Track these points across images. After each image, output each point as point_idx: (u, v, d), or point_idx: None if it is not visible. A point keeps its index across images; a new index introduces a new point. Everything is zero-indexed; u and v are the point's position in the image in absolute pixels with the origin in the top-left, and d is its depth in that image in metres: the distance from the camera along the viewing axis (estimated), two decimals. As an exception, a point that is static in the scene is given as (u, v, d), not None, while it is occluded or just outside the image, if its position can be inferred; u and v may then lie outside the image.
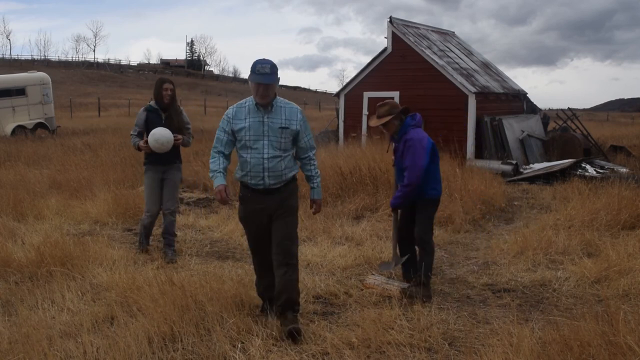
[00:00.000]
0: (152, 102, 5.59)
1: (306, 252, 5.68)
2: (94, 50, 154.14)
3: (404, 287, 4.49)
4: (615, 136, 18.33)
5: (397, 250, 4.86)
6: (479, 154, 12.33)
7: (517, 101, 15.25)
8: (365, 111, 13.76)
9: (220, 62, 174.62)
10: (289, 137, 3.71)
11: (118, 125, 21.91)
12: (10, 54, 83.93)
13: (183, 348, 3.36)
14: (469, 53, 15.94)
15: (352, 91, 14.40)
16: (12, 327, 3.61)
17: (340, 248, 5.85)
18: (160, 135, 5.31)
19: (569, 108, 16.41)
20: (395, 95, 13.33)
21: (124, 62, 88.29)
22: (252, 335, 3.56)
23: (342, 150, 11.22)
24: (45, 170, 10.58)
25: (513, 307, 4.20)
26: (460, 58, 14.68)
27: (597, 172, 10.51)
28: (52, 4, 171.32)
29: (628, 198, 6.89)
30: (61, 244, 5.13)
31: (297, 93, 74.81)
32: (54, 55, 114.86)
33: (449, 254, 5.92)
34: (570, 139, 13.22)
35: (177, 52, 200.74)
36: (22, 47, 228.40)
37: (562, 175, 10.13)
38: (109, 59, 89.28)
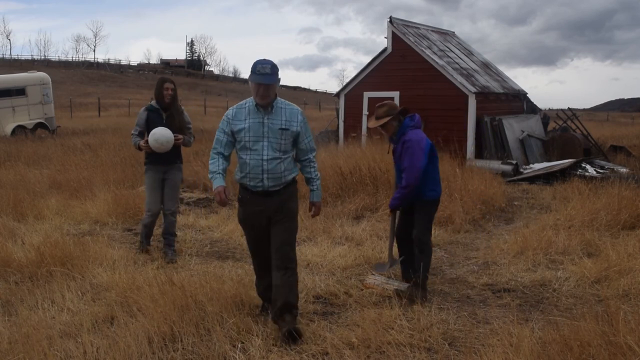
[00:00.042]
0: (153, 102, 5.57)
1: (306, 252, 5.68)
2: (94, 50, 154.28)
3: (398, 289, 4.45)
4: (615, 136, 18.33)
5: (393, 252, 4.85)
6: (479, 154, 12.33)
7: (517, 101, 15.25)
8: (365, 111, 13.76)
9: (220, 62, 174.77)
10: (289, 139, 3.67)
11: (118, 125, 21.92)
12: (10, 54, 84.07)
13: (183, 348, 3.36)
14: (469, 53, 15.94)
15: (352, 91, 14.40)
16: (12, 327, 3.61)
17: (340, 248, 5.85)
18: (160, 135, 5.30)
19: (569, 108, 16.42)
20: (396, 95, 13.33)
21: (124, 62, 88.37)
22: (252, 335, 3.56)
23: (342, 150, 11.22)
24: (45, 170, 10.58)
25: (513, 307, 4.20)
26: (460, 58, 14.68)
27: (597, 172, 10.51)
28: (52, 4, 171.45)
29: (628, 198, 6.88)
30: (61, 244, 5.13)
31: (297, 93, 74.80)
32: (54, 55, 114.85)
33: (449, 254, 5.92)
34: (570, 139, 13.22)
35: (177, 52, 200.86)
36: (22, 47, 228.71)
37: (562, 175, 10.12)
38: (109, 59, 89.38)
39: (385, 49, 13.83)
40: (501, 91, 14.05)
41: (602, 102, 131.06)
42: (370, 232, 6.50)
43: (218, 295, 3.93)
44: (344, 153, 10.11)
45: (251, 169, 3.62)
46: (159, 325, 3.48)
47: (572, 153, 12.40)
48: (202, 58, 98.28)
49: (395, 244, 4.85)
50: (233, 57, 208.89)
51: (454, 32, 17.31)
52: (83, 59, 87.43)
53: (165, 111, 5.52)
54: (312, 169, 3.85)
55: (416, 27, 14.76)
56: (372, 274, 4.88)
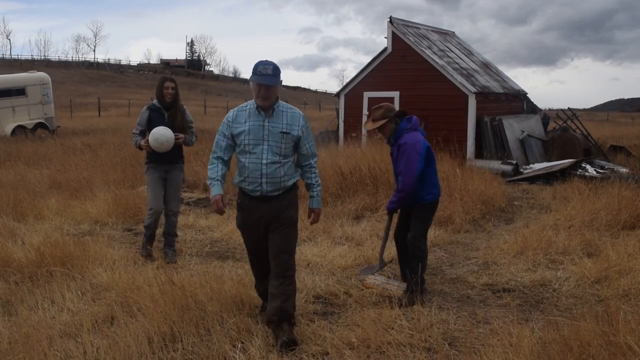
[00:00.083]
0: (155, 101, 5.52)
1: (306, 252, 5.69)
2: (94, 50, 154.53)
3: (399, 297, 4.42)
4: (615, 136, 18.32)
5: (383, 255, 4.83)
6: (479, 154, 12.33)
7: (517, 101, 15.25)
8: (365, 111, 13.76)
9: (220, 62, 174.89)
10: (290, 143, 3.59)
11: (118, 125, 21.92)
12: (10, 54, 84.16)
13: (183, 348, 3.36)
14: (469, 53, 15.94)
15: (352, 91, 14.40)
16: (12, 327, 3.61)
17: (340, 248, 5.85)
18: (160, 134, 5.25)
19: (569, 108, 16.42)
20: (396, 95, 13.34)
21: (124, 62, 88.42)
22: (252, 335, 3.56)
23: (342, 150, 11.22)
24: (45, 170, 10.59)
25: (513, 307, 4.20)
26: (460, 58, 14.68)
27: (597, 172, 10.51)
28: (52, 4, 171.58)
29: (628, 198, 6.89)
30: (61, 244, 5.13)
31: (297, 93, 74.82)
32: (54, 55, 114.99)
33: (449, 254, 5.92)
34: (570, 139, 13.22)
35: (177, 52, 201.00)
36: (22, 47, 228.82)
37: (562, 175, 10.12)
38: (109, 59, 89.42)
39: (385, 49, 13.83)
40: (501, 91, 14.05)
41: (602, 102, 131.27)
42: (370, 232, 6.50)
43: (218, 295, 3.93)
44: (344, 153, 10.12)
45: (250, 173, 3.55)
46: (159, 325, 3.48)
47: (572, 153, 12.40)
48: (202, 58, 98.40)
49: (387, 247, 4.83)
50: (233, 57, 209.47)
51: (454, 32, 17.31)
52: (83, 59, 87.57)
53: (167, 110, 5.47)
54: (313, 175, 3.78)
55: (416, 27, 14.76)
56: (372, 274, 4.87)
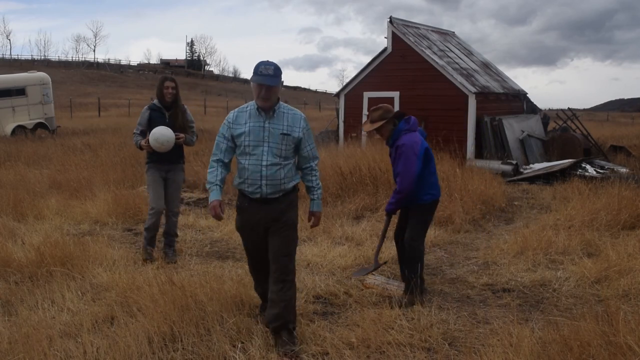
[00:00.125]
0: (156, 101, 5.49)
1: (306, 252, 5.68)
2: (94, 50, 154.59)
3: (399, 297, 4.42)
4: (615, 136, 18.33)
5: (378, 257, 4.81)
6: (479, 154, 12.33)
7: (517, 101, 15.25)
8: (365, 111, 13.75)
9: (220, 62, 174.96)
10: (291, 145, 3.54)
11: (118, 125, 21.92)
12: (10, 54, 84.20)
13: (183, 348, 3.36)
14: (469, 53, 15.94)
15: (352, 91, 14.41)
16: (12, 327, 3.61)
17: (340, 248, 5.85)
18: (160, 134, 5.23)
19: (569, 108, 16.42)
20: (396, 95, 13.34)
21: (124, 62, 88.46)
22: (252, 335, 3.56)
23: (342, 150, 11.24)
24: (45, 170, 10.59)
25: (513, 307, 4.20)
26: (460, 58, 14.68)
27: (597, 172, 10.51)
28: (52, 4, 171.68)
29: (628, 198, 6.89)
30: (61, 244, 5.13)
31: (297, 93, 74.84)
32: (54, 55, 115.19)
33: (449, 254, 5.92)
34: (570, 139, 13.22)
35: (177, 52, 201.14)
36: (22, 47, 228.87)
37: (562, 175, 10.12)
38: (109, 59, 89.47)
39: (385, 49, 13.83)
40: (501, 91, 14.06)
41: (602, 102, 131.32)
42: (370, 232, 6.50)
43: (218, 295, 3.93)
44: (344, 153, 10.13)
45: (250, 175, 3.50)
46: (159, 325, 3.48)
47: (572, 153, 12.40)
48: (202, 58, 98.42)
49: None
50: (233, 57, 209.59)
51: (454, 32, 17.31)
52: (83, 59, 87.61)
53: (167, 110, 5.45)
54: (314, 178, 3.73)
55: (416, 27, 14.76)
56: (372, 274, 4.87)
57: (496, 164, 11.16)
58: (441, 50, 14.20)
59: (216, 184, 3.60)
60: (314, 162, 3.73)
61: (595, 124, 26.18)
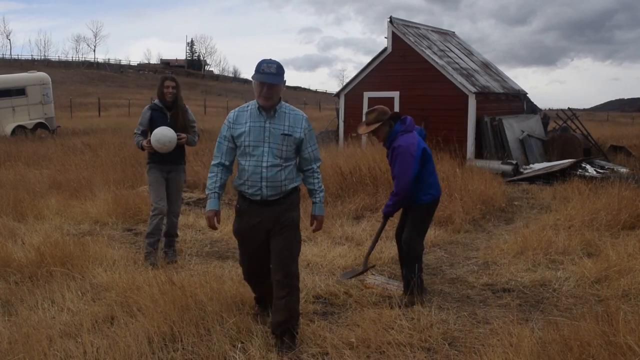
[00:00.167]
0: (156, 101, 5.46)
1: (306, 252, 5.68)
2: (94, 50, 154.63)
3: (400, 295, 4.41)
4: (615, 136, 18.33)
5: (368, 259, 4.78)
6: (479, 154, 12.33)
7: (517, 101, 15.25)
8: (365, 111, 13.76)
9: (220, 62, 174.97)
10: (292, 146, 3.45)
11: (118, 125, 21.93)
12: (10, 54, 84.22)
13: (183, 348, 3.35)
14: (469, 53, 15.94)
15: (352, 91, 14.41)
16: (12, 327, 3.61)
17: (340, 248, 5.85)
18: (162, 135, 5.18)
19: (569, 108, 16.42)
20: (396, 95, 13.35)
21: (124, 62, 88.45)
22: (252, 335, 3.56)
23: (342, 150, 11.24)
24: (45, 170, 10.59)
25: (513, 307, 4.20)
26: (460, 58, 14.68)
27: (597, 172, 10.51)
28: (52, 4, 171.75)
29: (628, 198, 6.89)
30: (61, 244, 5.13)
31: (297, 93, 74.84)
32: (54, 55, 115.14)
33: (449, 254, 5.92)
34: (570, 139, 13.22)
35: (177, 52, 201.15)
36: (22, 47, 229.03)
37: (562, 175, 10.13)
38: (109, 59, 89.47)
39: (385, 49, 13.83)
40: (501, 91, 14.06)
41: (602, 102, 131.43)
42: (370, 232, 6.49)
43: (218, 295, 3.93)
44: (344, 153, 10.13)
45: (250, 176, 3.41)
46: (159, 325, 3.48)
47: (572, 153, 12.40)
48: (202, 58, 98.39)
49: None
50: (233, 57, 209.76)
51: (454, 32, 17.31)
52: (83, 59, 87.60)
53: (169, 110, 5.41)
54: (316, 180, 3.62)
55: (416, 27, 14.76)
56: (372, 274, 4.87)
57: (496, 164, 11.16)
58: (441, 50, 14.21)
59: (215, 192, 3.55)
60: (315, 164, 3.63)
61: (595, 124, 26.18)
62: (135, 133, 5.52)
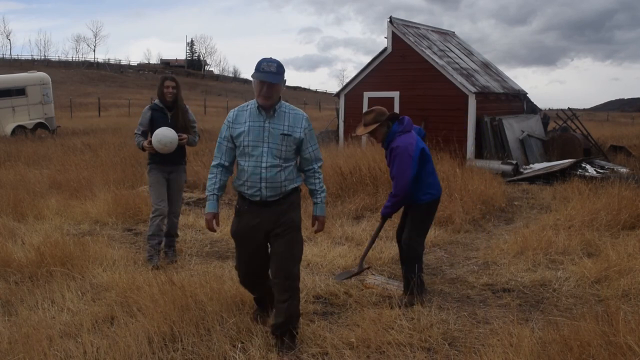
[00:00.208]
0: (157, 101, 5.44)
1: (306, 252, 5.66)
2: (94, 50, 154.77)
3: (400, 295, 4.41)
4: (615, 136, 18.33)
5: (364, 260, 4.78)
6: (479, 154, 12.33)
7: (517, 101, 15.25)
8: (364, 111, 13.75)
9: (220, 62, 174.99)
10: (292, 146, 3.41)
11: (118, 125, 21.93)
12: (10, 54, 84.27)
13: (183, 348, 3.35)
14: (469, 53, 15.94)
15: (352, 91, 14.41)
16: (12, 327, 3.61)
17: (340, 248, 5.85)
18: (163, 135, 5.16)
19: (569, 108, 16.42)
20: (396, 95, 13.35)
21: (124, 62, 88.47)
22: (252, 335, 3.56)
23: (342, 150, 11.24)
24: (45, 170, 10.59)
25: (513, 307, 4.20)
26: (460, 58, 14.68)
27: (597, 172, 10.51)
28: (52, 4, 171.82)
29: (628, 198, 6.89)
30: (61, 244, 5.13)
31: (297, 93, 74.85)
32: (54, 55, 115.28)
33: (449, 254, 5.92)
34: (570, 139, 13.22)
35: (177, 52, 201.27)
36: (22, 47, 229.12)
37: (562, 175, 10.13)
38: (109, 59, 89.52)
39: (385, 49, 13.83)
40: (501, 91, 14.06)
41: (602, 102, 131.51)
42: (370, 232, 6.48)
43: (218, 295, 3.93)
44: (344, 153, 10.13)
45: (249, 177, 3.37)
46: (159, 325, 3.48)
47: (572, 153, 12.40)
48: (202, 58, 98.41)
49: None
50: (233, 57, 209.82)
51: (454, 32, 17.31)
52: (83, 59, 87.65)
53: (169, 110, 5.39)
54: (317, 180, 3.57)
55: (416, 27, 14.76)
56: (372, 274, 4.87)
57: (496, 164, 11.16)
58: (441, 50, 14.21)
59: (214, 194, 3.53)
60: (316, 165, 3.57)
61: (595, 124, 26.18)
62: (135, 133, 5.49)
